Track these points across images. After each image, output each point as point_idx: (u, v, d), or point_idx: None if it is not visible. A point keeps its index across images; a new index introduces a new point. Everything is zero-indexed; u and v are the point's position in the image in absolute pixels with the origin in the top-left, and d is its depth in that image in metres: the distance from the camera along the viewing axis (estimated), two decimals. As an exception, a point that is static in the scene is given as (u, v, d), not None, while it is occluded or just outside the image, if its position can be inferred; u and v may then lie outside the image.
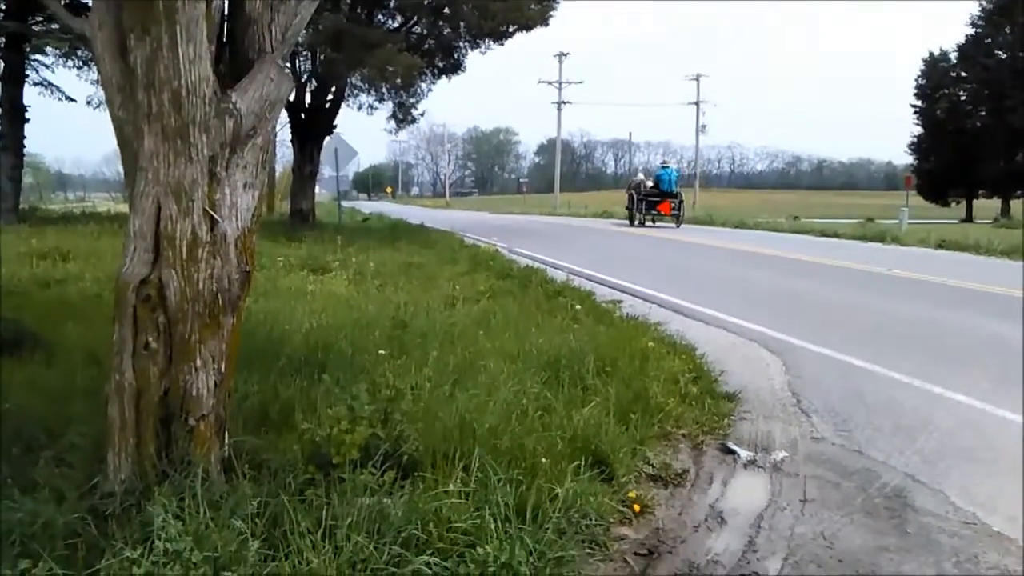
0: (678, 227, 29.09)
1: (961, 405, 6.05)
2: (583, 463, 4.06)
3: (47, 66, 24.45)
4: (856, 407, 6.01)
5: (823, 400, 6.19)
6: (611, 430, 4.61)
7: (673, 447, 5.08)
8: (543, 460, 3.94)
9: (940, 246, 21.07)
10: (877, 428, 5.52)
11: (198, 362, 3.51)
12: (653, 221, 30.92)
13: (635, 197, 30.51)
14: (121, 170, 3.71)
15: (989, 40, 54.23)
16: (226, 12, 3.66)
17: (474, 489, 3.60)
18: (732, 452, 5.01)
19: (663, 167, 32.53)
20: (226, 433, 3.73)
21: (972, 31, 55.00)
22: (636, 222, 30.57)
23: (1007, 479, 4.64)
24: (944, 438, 5.30)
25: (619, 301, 10.06)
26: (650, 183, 31.20)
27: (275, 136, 3.91)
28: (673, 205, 30.08)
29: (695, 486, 4.54)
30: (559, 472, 3.87)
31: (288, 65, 4.28)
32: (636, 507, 4.03)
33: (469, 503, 3.47)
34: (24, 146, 22.11)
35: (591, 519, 3.67)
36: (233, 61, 3.69)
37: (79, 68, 24.01)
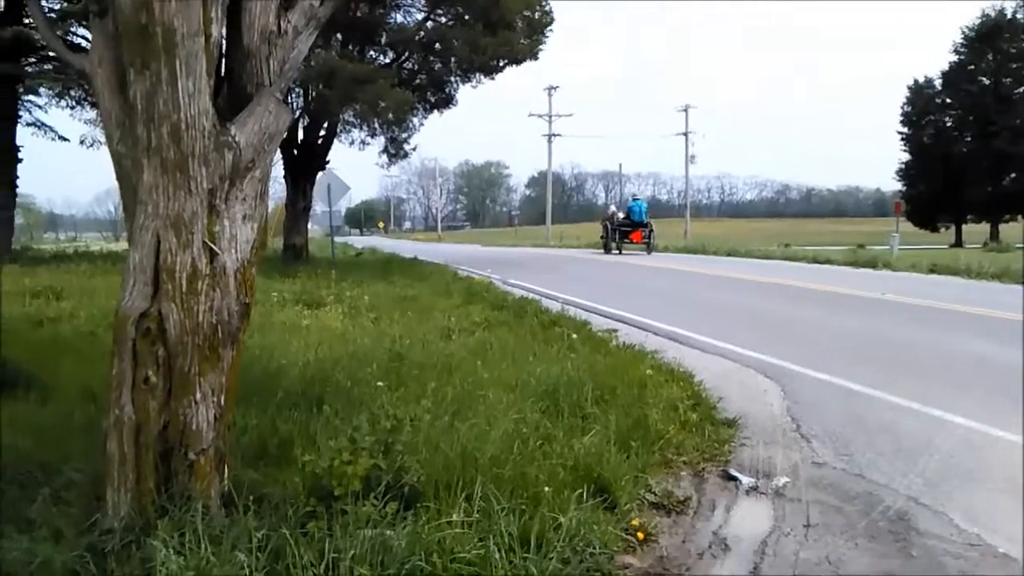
0: (649, 254, 31.07)
1: (960, 427, 6.05)
2: (586, 491, 4.04)
3: (40, 106, 24.63)
4: (856, 431, 6.00)
5: (823, 425, 6.18)
6: (612, 458, 4.59)
7: (675, 474, 5.05)
8: (546, 489, 3.92)
9: (932, 271, 21.16)
10: (878, 451, 5.51)
11: (198, 395, 3.50)
12: (619, 251, 32.85)
13: (609, 227, 32.91)
14: (112, 209, 3.77)
15: (972, 67, 54.90)
16: (224, 46, 3.70)
17: (477, 519, 3.57)
18: (734, 478, 4.99)
19: (633, 199, 35.33)
20: (226, 467, 3.70)
21: (956, 58, 55.72)
22: (610, 250, 32.53)
23: (1009, 499, 4.62)
24: (945, 460, 5.29)
25: (614, 330, 10.06)
26: (622, 215, 33.83)
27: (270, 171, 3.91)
28: (644, 234, 32.41)
29: (698, 513, 4.51)
30: (562, 501, 3.85)
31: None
32: (640, 535, 4.00)
33: (473, 533, 3.44)
34: (16, 186, 22.16)
35: (595, 548, 3.63)
36: (232, 94, 3.73)
37: (72, 108, 24.17)
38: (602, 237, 34.13)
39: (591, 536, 3.67)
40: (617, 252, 32.43)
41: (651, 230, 32.73)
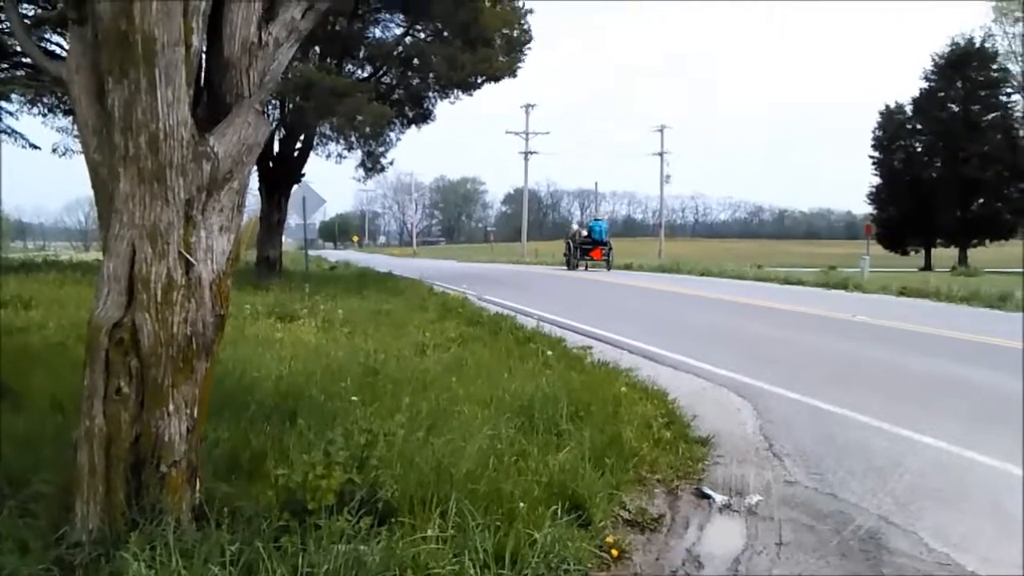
0: (608, 270, 33.28)
1: (930, 447, 6.12)
2: (560, 508, 4.04)
3: (11, 113, 24.29)
4: (827, 450, 6.05)
5: (794, 443, 6.22)
6: (587, 475, 4.59)
7: (648, 492, 5.06)
8: (520, 505, 3.90)
9: (902, 293, 21.43)
10: (849, 471, 5.55)
11: (171, 407, 3.46)
12: (587, 267, 35.00)
13: (571, 245, 35.02)
14: (83, 219, 3.72)
15: (942, 93, 55.86)
16: (204, 56, 3.68)
17: (452, 535, 3.56)
18: (707, 496, 5.01)
19: (595, 220, 38.36)
20: (198, 480, 3.66)
21: (926, 84, 56.69)
22: (572, 267, 34.52)
23: (979, 520, 4.68)
24: (915, 480, 5.35)
25: (589, 347, 10.08)
26: (584, 233, 35.79)
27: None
28: (604, 252, 34.63)
29: (671, 531, 4.52)
30: (537, 517, 3.84)
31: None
32: (614, 552, 4.00)
33: (447, 549, 3.42)
34: (-15, 194, 21.85)
35: (570, 564, 3.62)
36: (211, 105, 3.70)
37: (44, 115, 23.85)
38: (565, 254, 36.25)
39: (566, 553, 3.67)
40: (584, 268, 34.36)
41: (610, 248, 35.02)
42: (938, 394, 8.16)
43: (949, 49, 55.37)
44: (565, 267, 35.58)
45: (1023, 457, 5.67)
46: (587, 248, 35.07)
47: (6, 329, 9.44)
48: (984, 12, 58.42)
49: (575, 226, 39.72)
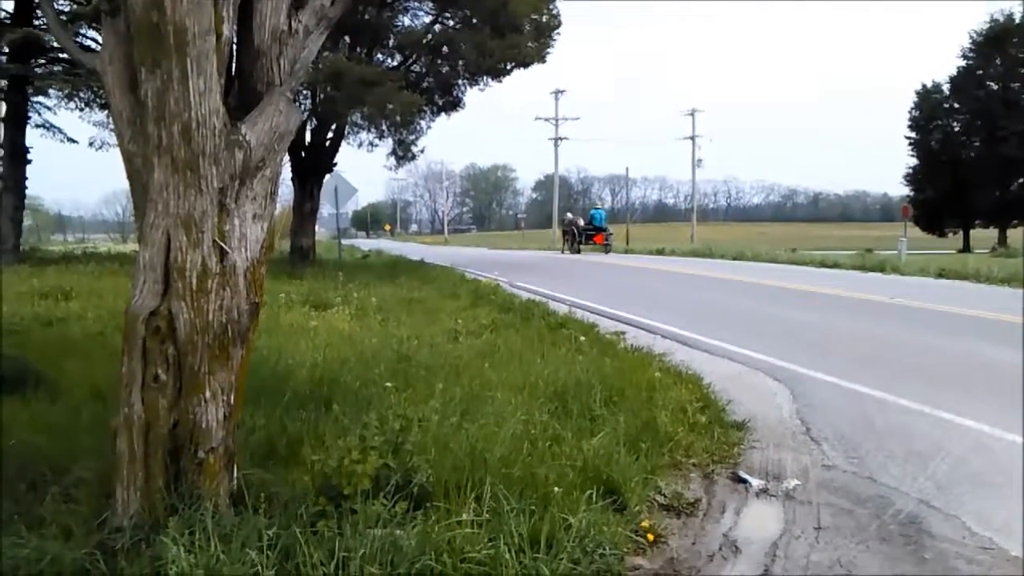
0: (606, 254, 36.79)
1: (971, 430, 6.01)
2: (595, 493, 4.03)
3: (49, 108, 24.67)
4: (866, 434, 5.97)
5: (832, 427, 6.15)
6: (622, 460, 4.57)
7: (684, 476, 5.03)
8: (555, 489, 3.90)
9: (940, 275, 21.06)
10: (888, 455, 5.48)
11: (207, 394, 3.49)
12: (578, 251, 38.57)
13: (575, 232, 39.41)
14: (120, 211, 3.76)
15: (980, 72, 54.69)
16: (235, 46, 3.70)
17: (487, 519, 3.56)
18: (744, 481, 4.97)
19: (594, 209, 43.68)
20: (235, 466, 3.70)
21: (963, 63, 55.54)
22: (575, 251, 38.61)
23: (1022, 503, 4.59)
24: (956, 463, 5.26)
25: (622, 332, 10.04)
26: (582, 222, 40.53)
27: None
28: (604, 237, 38.82)
29: (708, 515, 4.49)
30: (572, 502, 3.83)
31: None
32: (650, 536, 3.98)
33: (482, 533, 3.43)
34: (26, 188, 22.25)
35: (605, 549, 3.60)
36: (242, 94, 3.73)
37: (81, 110, 24.21)
38: (565, 240, 41.07)
39: (601, 537, 3.65)
40: (578, 251, 38.42)
41: (610, 233, 39.62)
42: (979, 377, 8.00)
43: (988, 26, 54.14)
44: (562, 252, 40.17)
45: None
46: (591, 234, 39.14)
47: (46, 320, 9.63)
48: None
49: (569, 215, 44.78)
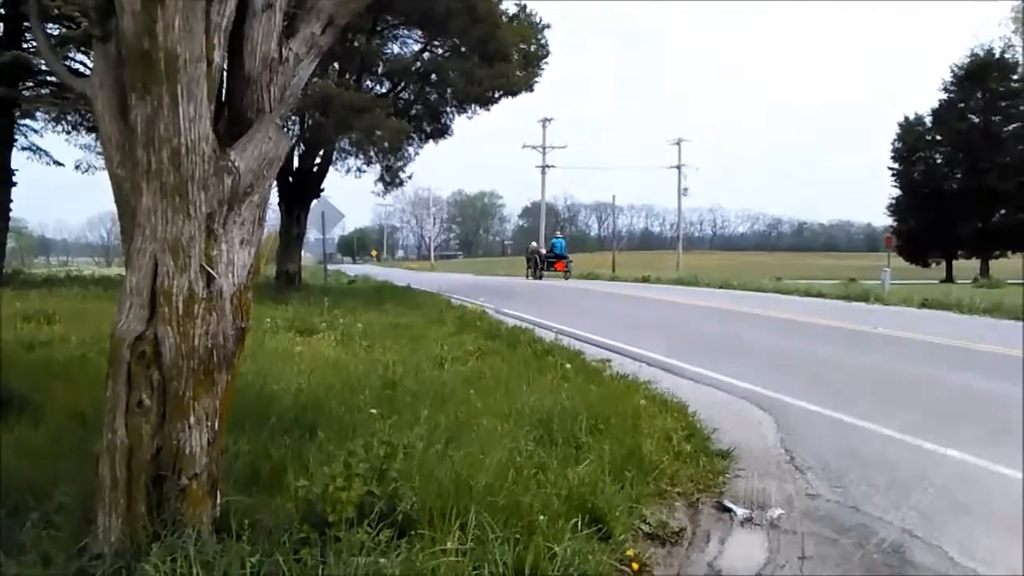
0: (566, 280, 38.77)
1: (954, 460, 6.04)
2: (580, 521, 4.03)
3: (36, 131, 24.64)
4: (849, 463, 5.99)
5: (816, 457, 6.17)
6: (607, 488, 4.57)
7: (669, 505, 5.03)
8: (540, 518, 3.89)
9: (923, 305, 21.20)
10: (871, 484, 5.50)
11: (192, 420, 3.48)
12: (540, 277, 40.69)
13: (538, 259, 41.95)
14: (105, 235, 3.75)
15: (962, 104, 55.45)
16: (226, 72, 3.72)
17: (472, 547, 3.55)
18: (728, 510, 4.97)
19: (555, 238, 45.26)
20: (218, 492, 3.67)
21: (945, 96, 56.34)
22: (538, 276, 40.66)
23: (1005, 534, 4.61)
24: (939, 493, 5.28)
25: (608, 360, 10.05)
26: (544, 250, 43.66)
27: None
28: (565, 264, 41.10)
29: (692, 544, 4.49)
30: (557, 530, 3.83)
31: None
32: (634, 566, 3.97)
33: (467, 562, 3.42)
34: (10, 210, 22.13)
35: (590, 578, 3.60)
36: (232, 120, 3.74)
37: (68, 132, 24.18)
38: (528, 267, 43.11)
39: (586, 566, 3.65)
40: (540, 277, 40.56)
41: (570, 261, 41.89)
42: (962, 407, 8.06)
43: (968, 60, 55.00)
44: (526, 277, 42.56)
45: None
46: (552, 261, 41.85)
47: (28, 343, 9.55)
48: (1003, 15, 57.43)
49: (533, 244, 48.32)
